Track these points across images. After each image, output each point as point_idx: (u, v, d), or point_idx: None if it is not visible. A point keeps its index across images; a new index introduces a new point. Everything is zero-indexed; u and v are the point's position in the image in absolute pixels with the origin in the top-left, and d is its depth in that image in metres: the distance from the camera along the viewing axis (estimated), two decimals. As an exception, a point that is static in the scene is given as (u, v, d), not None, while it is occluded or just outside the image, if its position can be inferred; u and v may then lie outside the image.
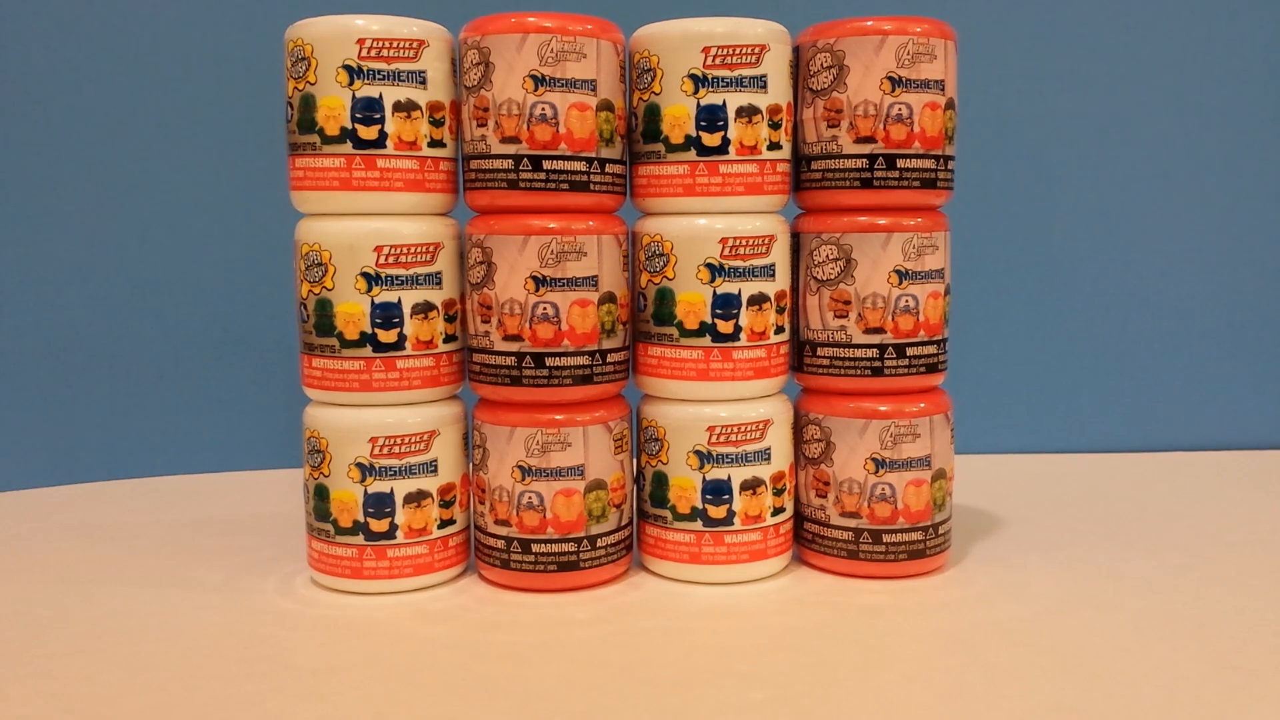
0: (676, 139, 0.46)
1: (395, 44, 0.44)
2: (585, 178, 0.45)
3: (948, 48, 0.47)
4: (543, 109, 0.44)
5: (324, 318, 0.45)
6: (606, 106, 0.45)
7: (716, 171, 0.46)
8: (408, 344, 0.45)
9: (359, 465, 0.45)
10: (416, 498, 0.46)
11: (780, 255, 0.47)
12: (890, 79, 0.45)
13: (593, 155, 0.45)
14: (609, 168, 0.46)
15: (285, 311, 0.66)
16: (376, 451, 0.45)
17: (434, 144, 0.46)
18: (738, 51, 0.45)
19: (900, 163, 0.46)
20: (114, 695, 0.37)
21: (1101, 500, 0.61)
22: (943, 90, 0.46)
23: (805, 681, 0.37)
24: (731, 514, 0.47)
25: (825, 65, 0.46)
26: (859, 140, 0.46)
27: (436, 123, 0.46)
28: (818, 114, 0.47)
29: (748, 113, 0.46)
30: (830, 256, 0.47)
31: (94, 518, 0.60)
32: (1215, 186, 0.73)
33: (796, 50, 0.48)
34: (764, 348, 0.47)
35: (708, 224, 0.46)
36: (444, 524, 0.47)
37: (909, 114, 0.46)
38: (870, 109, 0.46)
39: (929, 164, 0.47)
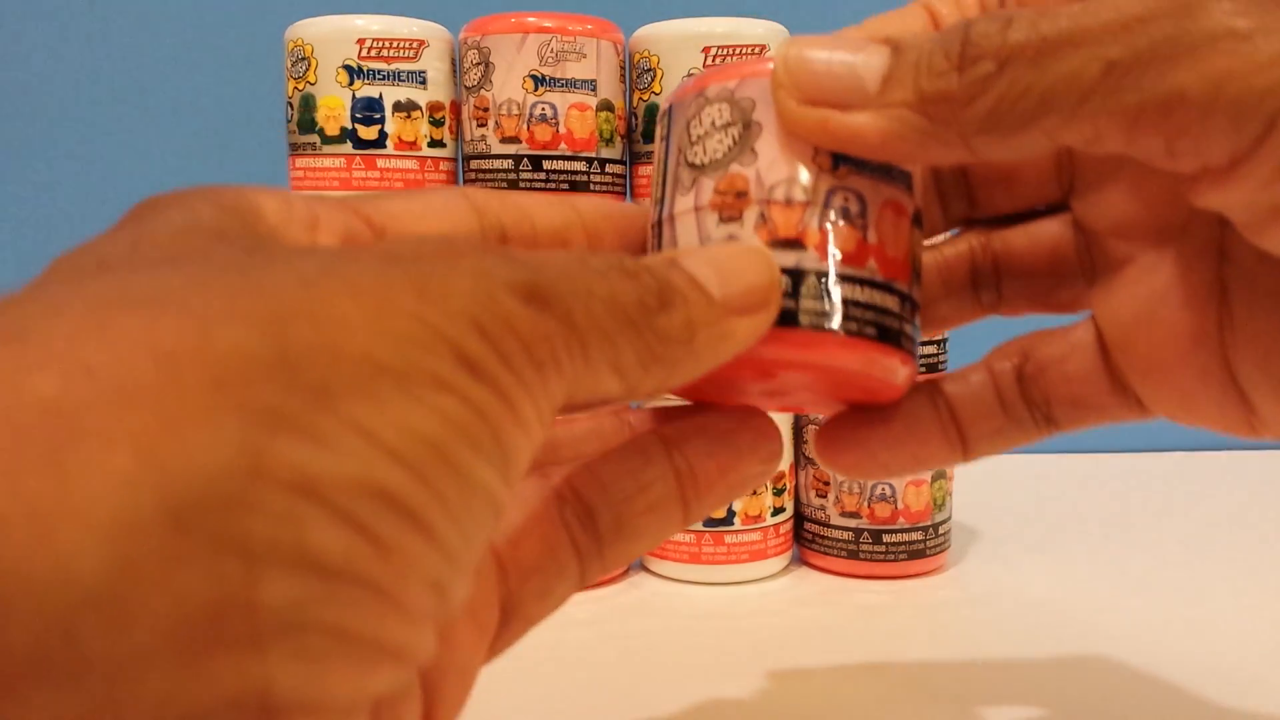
0: (676, 139, 0.46)
1: (395, 44, 0.44)
2: (585, 178, 0.45)
3: (948, 48, 0.47)
4: (543, 109, 0.44)
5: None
6: (606, 106, 0.45)
7: (716, 171, 0.46)
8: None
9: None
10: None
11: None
12: (890, 79, 0.45)
13: (593, 155, 0.45)
14: (609, 168, 0.46)
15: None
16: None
17: (434, 144, 0.46)
18: (738, 51, 0.45)
19: (900, 163, 0.46)
20: (114, 695, 0.36)
21: (1101, 500, 0.61)
22: (943, 90, 0.46)
23: (805, 681, 0.37)
24: (731, 514, 0.47)
25: (825, 65, 0.46)
26: (859, 140, 0.46)
27: (436, 123, 0.46)
28: (818, 114, 0.47)
29: (748, 113, 0.46)
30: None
31: (94, 518, 0.60)
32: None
33: (796, 50, 0.48)
34: (764, 348, 0.47)
35: (708, 224, 0.46)
36: (444, 524, 0.47)
37: (909, 114, 0.46)
38: (870, 109, 0.46)
39: (929, 164, 0.46)
